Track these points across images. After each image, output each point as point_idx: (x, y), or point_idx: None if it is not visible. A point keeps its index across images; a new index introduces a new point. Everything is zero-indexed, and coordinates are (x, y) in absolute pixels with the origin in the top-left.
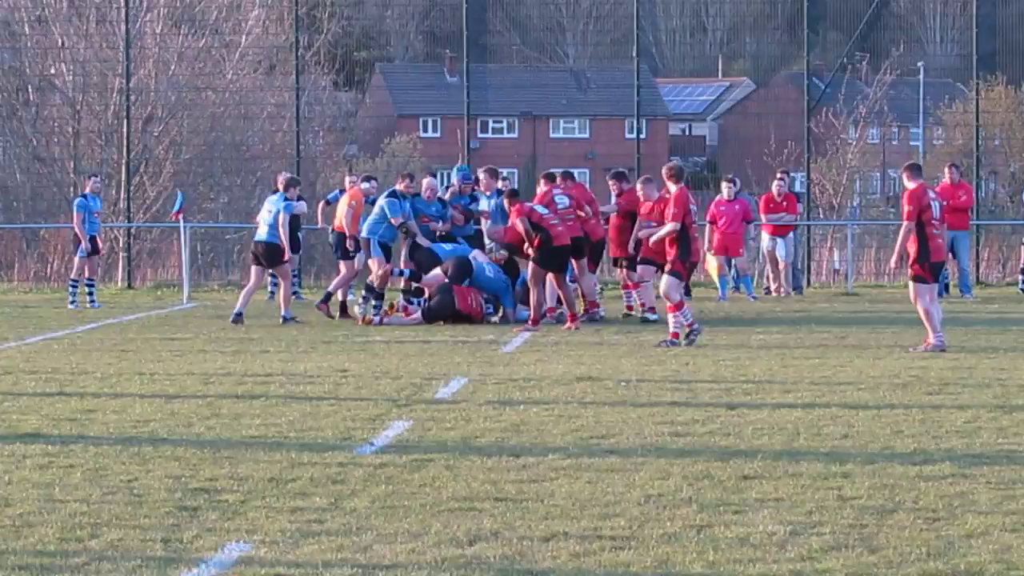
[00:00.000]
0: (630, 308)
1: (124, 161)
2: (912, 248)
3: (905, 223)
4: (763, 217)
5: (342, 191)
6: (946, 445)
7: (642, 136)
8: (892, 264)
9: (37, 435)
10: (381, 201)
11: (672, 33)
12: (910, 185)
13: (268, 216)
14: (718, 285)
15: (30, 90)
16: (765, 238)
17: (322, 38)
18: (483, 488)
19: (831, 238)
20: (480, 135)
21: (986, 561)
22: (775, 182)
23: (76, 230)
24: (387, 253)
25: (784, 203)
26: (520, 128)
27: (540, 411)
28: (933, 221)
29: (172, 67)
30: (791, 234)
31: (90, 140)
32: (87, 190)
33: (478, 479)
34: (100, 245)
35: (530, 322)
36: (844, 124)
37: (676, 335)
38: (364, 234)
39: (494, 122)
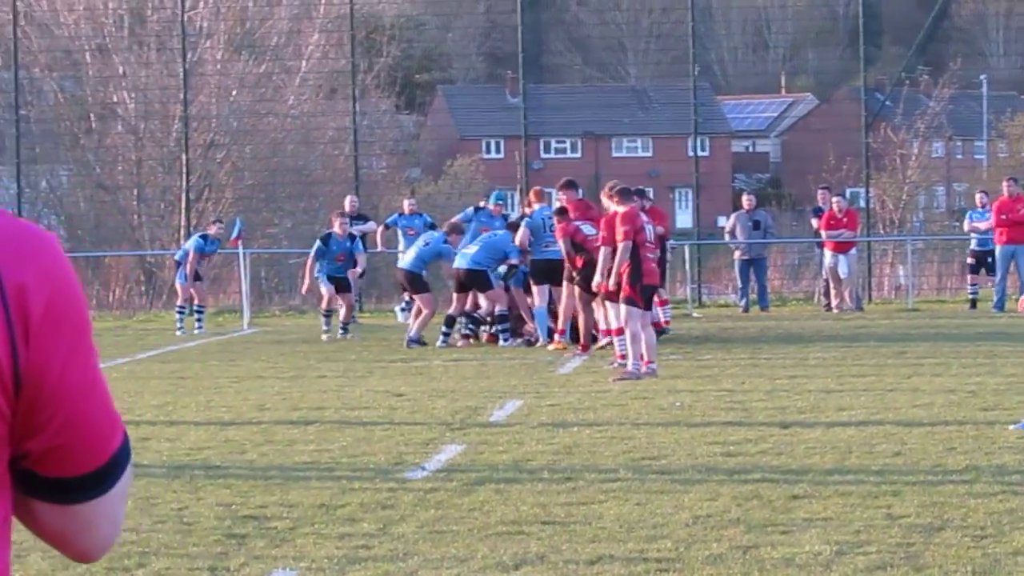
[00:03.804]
0: (666, 323)
1: (184, 187)
2: (625, 271)
3: (621, 244)
4: (823, 234)
5: (401, 215)
6: (998, 461)
7: (704, 154)
8: (606, 287)
9: None
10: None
11: (734, 50)
12: (620, 208)
13: (421, 244)
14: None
15: (92, 119)
16: (827, 255)
17: (382, 61)
18: (532, 511)
19: (892, 254)
20: (543, 155)
21: None
22: (834, 200)
23: (187, 268)
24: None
25: (844, 219)
26: (583, 148)
27: (593, 433)
28: (647, 244)
29: (233, 93)
30: (853, 250)
31: (152, 167)
32: (211, 232)
33: (527, 502)
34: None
35: (580, 347)
36: (904, 139)
37: (624, 356)
38: (477, 265)
39: (556, 142)
